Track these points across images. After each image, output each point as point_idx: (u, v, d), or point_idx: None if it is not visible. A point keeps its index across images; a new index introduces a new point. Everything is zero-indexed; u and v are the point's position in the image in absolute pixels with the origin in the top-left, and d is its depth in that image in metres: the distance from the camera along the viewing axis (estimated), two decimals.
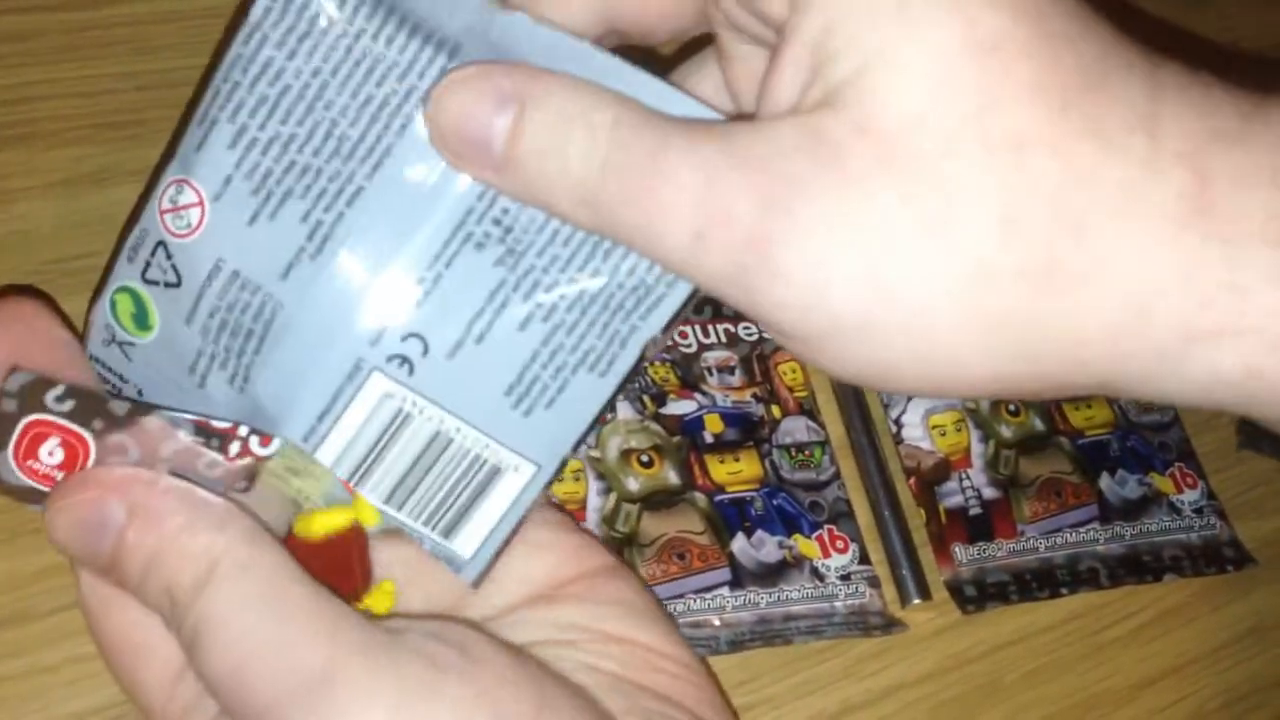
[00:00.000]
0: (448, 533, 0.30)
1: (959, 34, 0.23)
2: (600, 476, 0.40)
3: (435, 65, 0.27)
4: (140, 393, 0.31)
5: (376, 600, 0.31)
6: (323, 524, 0.31)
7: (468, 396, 0.29)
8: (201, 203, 0.28)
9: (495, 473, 0.30)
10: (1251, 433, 0.50)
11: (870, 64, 0.23)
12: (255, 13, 0.27)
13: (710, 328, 0.45)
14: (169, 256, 0.29)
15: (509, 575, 0.32)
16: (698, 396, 0.43)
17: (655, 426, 0.42)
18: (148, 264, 0.29)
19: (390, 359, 0.29)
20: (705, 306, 0.45)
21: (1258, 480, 0.50)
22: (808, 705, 0.40)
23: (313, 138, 0.28)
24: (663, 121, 0.25)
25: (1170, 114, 0.23)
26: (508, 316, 0.29)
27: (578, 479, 0.40)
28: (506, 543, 0.31)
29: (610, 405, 0.30)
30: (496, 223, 0.28)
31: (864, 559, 0.42)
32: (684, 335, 0.44)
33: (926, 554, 0.43)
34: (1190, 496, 0.47)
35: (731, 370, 0.44)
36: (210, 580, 0.26)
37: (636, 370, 0.30)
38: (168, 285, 0.29)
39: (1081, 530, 0.45)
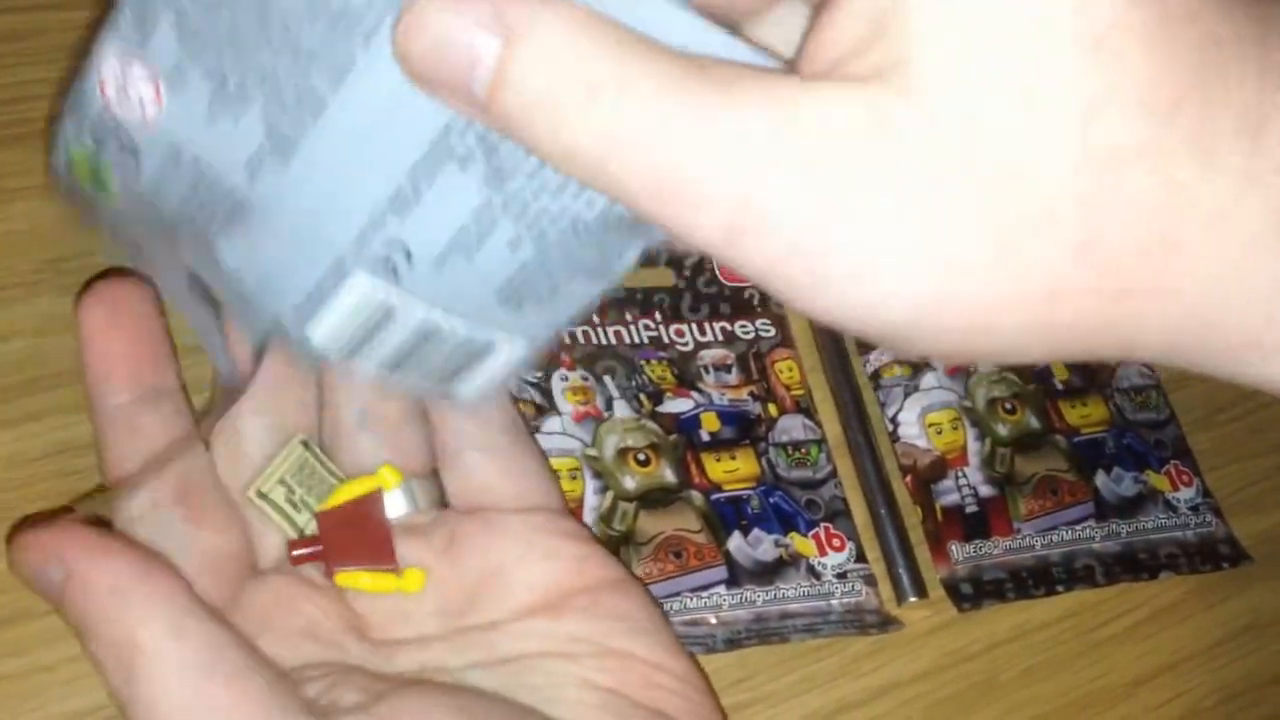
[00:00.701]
0: (444, 386, 0.30)
1: (1068, 18, 0.20)
2: (597, 475, 0.40)
3: None
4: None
5: (409, 581, 0.32)
6: (347, 491, 0.33)
7: (457, 298, 0.28)
8: (154, 80, 0.26)
9: (488, 347, 0.29)
10: None
11: (954, 41, 0.21)
12: None
13: (707, 326, 0.45)
14: (124, 138, 0.27)
15: (517, 581, 0.32)
16: (694, 395, 0.43)
17: (652, 425, 0.42)
18: (101, 141, 0.28)
19: (375, 264, 0.27)
20: (702, 305, 0.46)
21: (1253, 478, 0.50)
22: (804, 703, 0.40)
23: (268, 32, 0.24)
24: (680, 76, 0.21)
25: (1278, 114, 0.21)
26: (496, 237, 0.27)
27: (574, 477, 0.40)
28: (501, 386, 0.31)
29: (606, 293, 0.28)
30: (481, 139, 0.25)
31: (860, 557, 0.42)
32: (680, 334, 0.45)
33: (923, 552, 0.43)
34: (1186, 494, 0.47)
35: (728, 369, 0.44)
36: (131, 678, 0.27)
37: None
38: (126, 165, 0.28)
39: (1077, 528, 0.45)
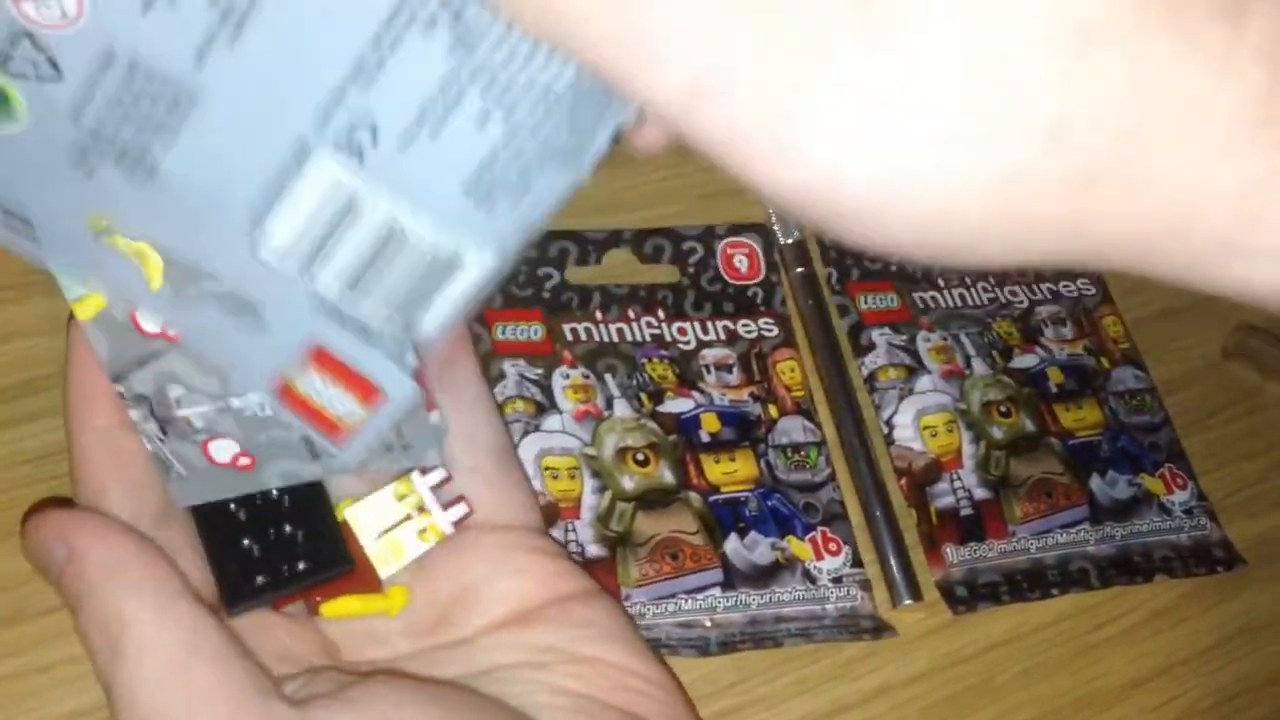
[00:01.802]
0: (407, 319, 0.29)
1: None
2: (595, 474, 0.40)
3: None
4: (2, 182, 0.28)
5: (394, 599, 0.32)
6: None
7: (423, 192, 0.27)
8: None
9: (454, 260, 0.28)
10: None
11: None
12: None
13: (710, 324, 0.45)
14: (39, 48, 0.25)
15: (488, 597, 0.33)
16: (695, 394, 0.43)
17: (652, 425, 0.42)
18: (7, 56, 0.25)
19: (338, 145, 0.26)
20: (705, 303, 0.46)
21: (1248, 481, 0.50)
22: (799, 706, 0.40)
23: None
24: None
25: None
26: (463, 111, 0.25)
27: (573, 477, 0.40)
28: (467, 309, 0.29)
29: (577, 187, 0.27)
30: (444, 5, 0.24)
31: (856, 562, 0.42)
32: (683, 332, 0.45)
33: (918, 554, 0.43)
34: (1180, 497, 0.48)
35: (730, 368, 0.45)
36: (116, 652, 0.27)
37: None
38: (42, 79, 0.26)
39: (1072, 531, 0.45)
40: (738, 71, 0.20)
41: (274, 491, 0.32)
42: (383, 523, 0.32)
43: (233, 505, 0.31)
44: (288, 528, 0.32)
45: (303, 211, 0.27)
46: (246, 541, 0.31)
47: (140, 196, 0.27)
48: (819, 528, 0.42)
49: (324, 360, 0.29)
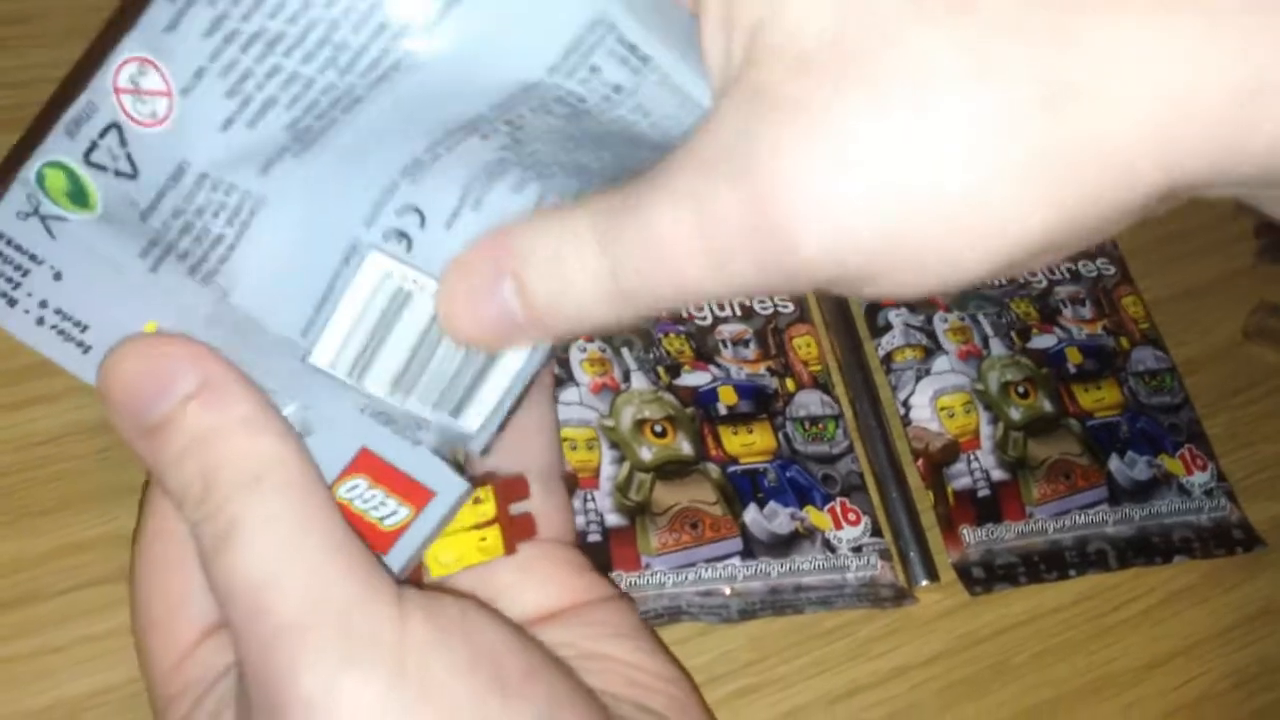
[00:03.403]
0: (455, 411, 0.29)
1: None
2: (614, 445, 0.41)
3: None
4: (58, 275, 0.27)
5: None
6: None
7: None
8: (170, 93, 0.25)
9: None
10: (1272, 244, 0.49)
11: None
12: None
13: (725, 301, 0.45)
14: (124, 144, 0.25)
15: (512, 601, 0.32)
16: (712, 369, 0.43)
17: (669, 397, 0.42)
18: (94, 145, 0.26)
19: (387, 236, 0.27)
20: None
21: (1268, 462, 0.49)
22: (816, 685, 0.40)
23: (304, 41, 0.24)
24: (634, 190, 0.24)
25: None
26: (505, 180, 0.27)
27: (591, 447, 0.40)
28: (512, 413, 0.29)
29: None
30: (509, 123, 0.26)
31: (876, 532, 0.42)
32: (699, 308, 0.45)
33: (935, 536, 0.43)
34: (1200, 478, 0.47)
35: (746, 343, 0.45)
36: (261, 483, 0.26)
37: None
38: (120, 174, 0.26)
39: (1090, 512, 0.45)
40: (727, 220, 0.22)
41: None
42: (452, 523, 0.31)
43: None
44: None
45: (355, 308, 0.27)
46: None
47: (193, 302, 0.27)
48: (838, 498, 0.42)
49: (370, 465, 0.28)
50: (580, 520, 0.39)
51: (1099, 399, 0.48)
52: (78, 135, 0.26)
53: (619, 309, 0.24)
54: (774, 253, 0.22)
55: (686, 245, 0.23)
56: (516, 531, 0.31)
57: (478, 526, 0.30)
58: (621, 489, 0.40)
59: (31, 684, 0.33)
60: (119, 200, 0.26)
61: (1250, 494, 0.48)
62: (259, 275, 0.27)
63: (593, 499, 0.39)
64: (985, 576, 0.42)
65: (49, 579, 0.34)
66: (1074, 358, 0.48)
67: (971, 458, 0.45)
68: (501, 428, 0.29)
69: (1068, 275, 0.51)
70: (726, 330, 0.45)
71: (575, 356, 0.42)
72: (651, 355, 0.43)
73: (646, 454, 0.41)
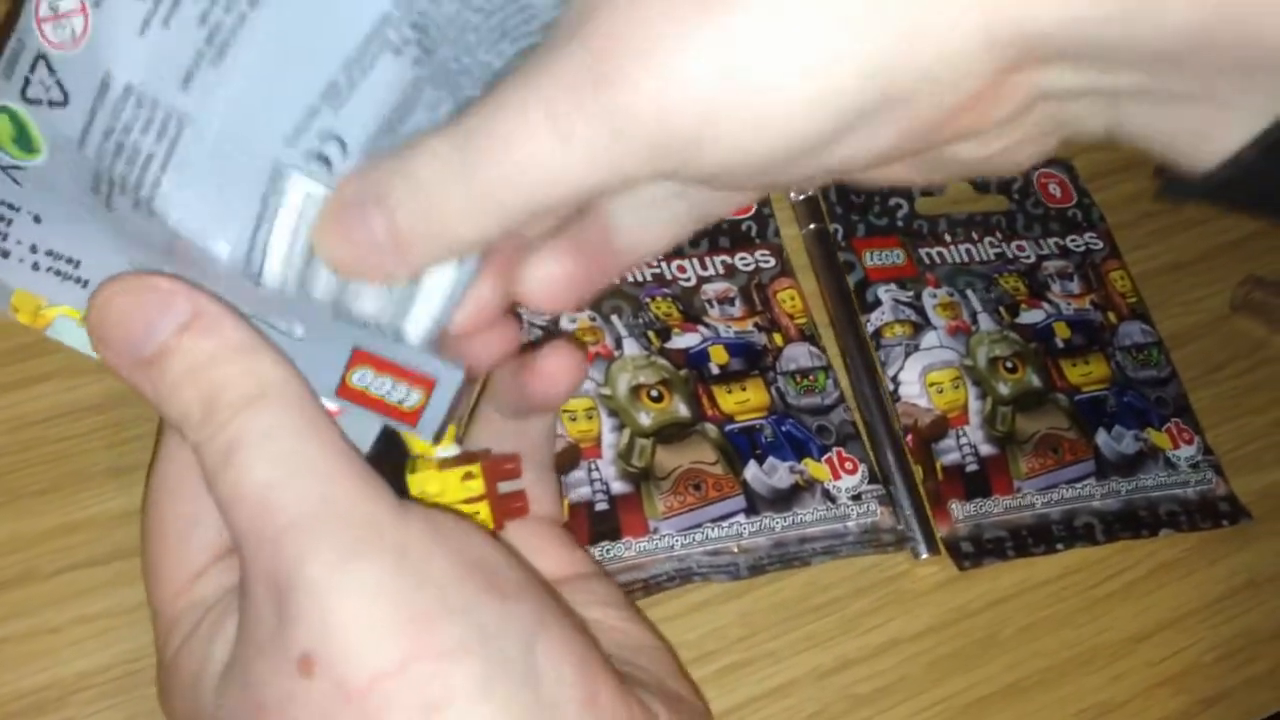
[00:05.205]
0: (399, 319, 0.29)
1: None
2: (612, 413, 0.41)
3: None
4: (38, 219, 0.28)
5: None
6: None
7: None
8: (84, 9, 0.25)
9: None
10: (1173, 179, 0.49)
11: None
12: None
13: (708, 260, 0.46)
14: (52, 71, 0.26)
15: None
16: (701, 329, 0.44)
17: (662, 361, 0.43)
18: (27, 80, 0.26)
19: (308, 158, 0.26)
20: (702, 240, 0.46)
21: (1254, 435, 0.50)
22: (807, 660, 0.40)
23: None
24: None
25: None
26: (421, 103, 0.26)
27: (590, 417, 0.41)
28: (449, 315, 0.29)
29: None
30: (414, 26, 0.25)
31: (873, 478, 0.43)
32: (682, 270, 0.45)
33: (924, 511, 0.43)
34: (1186, 452, 0.48)
35: (731, 301, 0.45)
36: (262, 398, 0.26)
37: None
38: (53, 104, 0.26)
39: (1078, 486, 0.45)
40: (569, 87, 0.22)
41: None
42: (442, 497, 0.31)
43: None
44: None
45: (288, 229, 0.27)
46: None
47: (147, 231, 0.27)
48: (834, 448, 0.43)
49: (369, 359, 0.29)
50: (586, 490, 0.39)
51: (1086, 373, 0.48)
52: (13, 75, 0.26)
53: (484, 223, 0.24)
54: (609, 110, 0.22)
55: (532, 128, 0.23)
56: (507, 509, 0.32)
57: (468, 502, 0.31)
58: (624, 456, 0.40)
59: (27, 664, 0.33)
60: (60, 137, 0.26)
61: (1236, 467, 0.48)
62: (193, 196, 0.27)
63: (597, 468, 0.40)
64: (974, 551, 0.43)
65: (45, 559, 0.35)
66: (1062, 332, 0.49)
67: (960, 433, 0.45)
68: (438, 331, 0.29)
69: (1056, 250, 0.51)
70: (711, 289, 0.45)
71: (567, 327, 0.42)
72: (640, 320, 0.43)
73: (645, 419, 0.41)
